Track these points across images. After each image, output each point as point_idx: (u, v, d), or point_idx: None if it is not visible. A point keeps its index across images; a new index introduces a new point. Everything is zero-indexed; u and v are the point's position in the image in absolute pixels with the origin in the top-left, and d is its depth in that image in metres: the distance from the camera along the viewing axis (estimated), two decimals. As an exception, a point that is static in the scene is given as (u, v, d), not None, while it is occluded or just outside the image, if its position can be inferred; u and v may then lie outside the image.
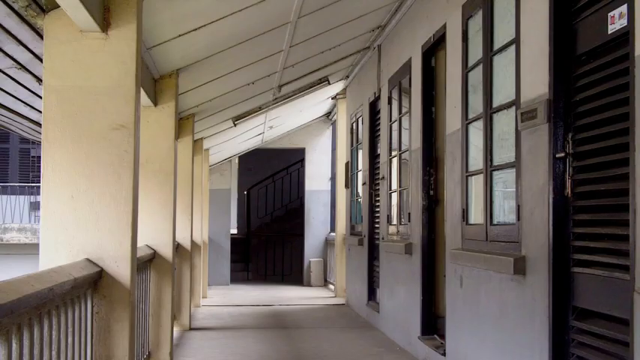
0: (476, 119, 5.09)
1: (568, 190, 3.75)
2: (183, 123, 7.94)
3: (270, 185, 17.00)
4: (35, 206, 21.25)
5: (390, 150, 7.92)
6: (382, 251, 8.34)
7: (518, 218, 4.23)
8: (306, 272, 14.71)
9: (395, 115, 7.73)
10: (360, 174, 10.12)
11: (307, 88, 9.75)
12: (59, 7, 3.32)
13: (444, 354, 5.76)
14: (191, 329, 8.47)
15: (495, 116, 4.72)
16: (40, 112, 4.93)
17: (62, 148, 3.42)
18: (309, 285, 14.47)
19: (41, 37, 3.69)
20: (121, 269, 3.44)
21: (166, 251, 6.09)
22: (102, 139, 3.45)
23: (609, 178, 3.37)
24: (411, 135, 6.92)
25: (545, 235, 3.85)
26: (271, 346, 7.32)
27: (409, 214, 6.96)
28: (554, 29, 3.81)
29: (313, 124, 14.71)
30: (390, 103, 7.97)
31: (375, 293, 9.08)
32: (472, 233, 5.07)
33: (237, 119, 9.74)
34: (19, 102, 5.91)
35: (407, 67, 7.08)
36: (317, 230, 14.84)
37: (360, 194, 9.99)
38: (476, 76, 5.07)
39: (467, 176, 5.25)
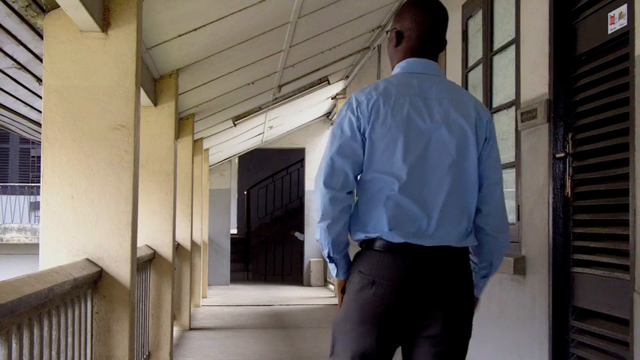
0: (476, 119, 5.09)
1: (568, 190, 3.75)
2: (183, 123, 7.94)
3: (270, 185, 17.00)
4: (35, 206, 21.24)
5: (390, 150, 7.92)
6: (382, 251, 8.34)
7: (518, 218, 4.23)
8: (306, 272, 14.71)
9: (395, 115, 7.72)
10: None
11: (307, 88, 9.75)
12: (59, 7, 3.32)
13: (444, 354, 5.76)
14: (191, 329, 8.47)
15: (495, 116, 4.72)
16: (40, 112, 4.93)
17: (62, 148, 3.42)
18: (309, 285, 14.47)
19: (41, 37, 3.69)
20: (121, 269, 3.44)
21: (166, 251, 6.09)
22: (102, 139, 3.44)
23: (609, 178, 3.37)
24: (411, 135, 6.92)
25: (545, 235, 3.85)
26: (271, 346, 7.32)
27: (409, 214, 6.96)
28: (554, 29, 3.81)
29: (313, 124, 14.70)
30: (390, 103, 7.96)
31: (375, 293, 9.08)
32: (472, 233, 5.08)
33: (237, 119, 9.74)
34: (19, 102, 5.91)
35: (407, 67, 7.08)
36: (317, 230, 14.81)
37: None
38: (476, 76, 5.07)
39: (467, 176, 5.25)
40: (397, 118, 2.33)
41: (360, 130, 2.33)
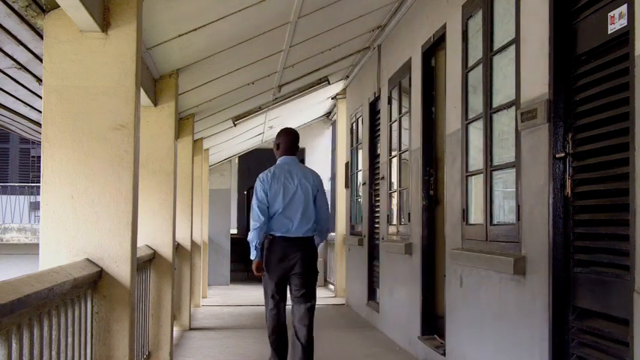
0: (476, 119, 5.10)
1: (568, 190, 3.75)
2: (183, 123, 7.94)
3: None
4: (35, 206, 21.22)
5: (390, 150, 7.92)
6: (382, 251, 8.35)
7: (518, 218, 4.23)
8: (306, 272, 14.64)
9: (395, 115, 7.73)
10: (360, 174, 10.12)
11: (307, 88, 9.75)
12: (59, 7, 3.32)
13: (443, 354, 5.76)
14: (191, 329, 8.47)
15: (495, 116, 4.72)
16: (40, 112, 4.93)
17: (62, 148, 3.42)
18: (309, 285, 14.41)
19: (41, 37, 3.69)
20: (121, 269, 3.44)
21: (166, 251, 6.09)
22: (102, 139, 3.45)
23: (609, 178, 3.37)
24: (411, 135, 6.92)
25: (545, 235, 3.85)
26: (271, 346, 7.30)
27: (409, 214, 6.96)
28: (554, 29, 3.81)
29: (313, 124, 14.69)
30: (389, 103, 7.97)
31: (375, 293, 9.08)
32: (472, 233, 5.08)
33: (237, 119, 9.74)
34: (19, 102, 5.91)
35: (407, 67, 7.09)
36: (317, 230, 14.76)
37: (360, 194, 10.00)
38: (476, 76, 5.08)
39: (467, 176, 5.25)
40: (279, 184, 5.42)
41: (264, 192, 5.40)
